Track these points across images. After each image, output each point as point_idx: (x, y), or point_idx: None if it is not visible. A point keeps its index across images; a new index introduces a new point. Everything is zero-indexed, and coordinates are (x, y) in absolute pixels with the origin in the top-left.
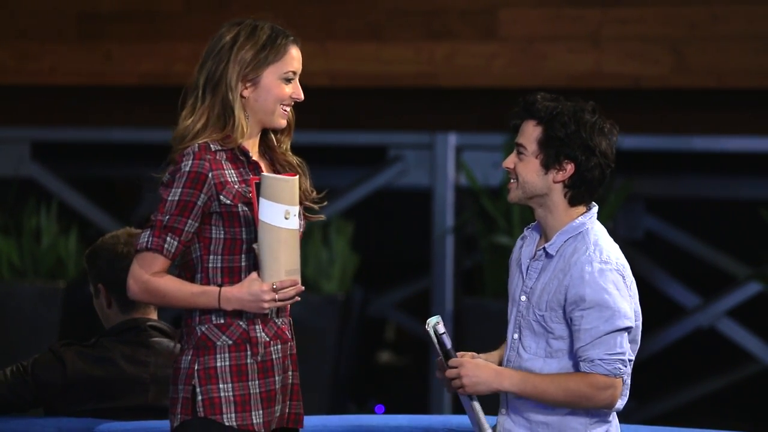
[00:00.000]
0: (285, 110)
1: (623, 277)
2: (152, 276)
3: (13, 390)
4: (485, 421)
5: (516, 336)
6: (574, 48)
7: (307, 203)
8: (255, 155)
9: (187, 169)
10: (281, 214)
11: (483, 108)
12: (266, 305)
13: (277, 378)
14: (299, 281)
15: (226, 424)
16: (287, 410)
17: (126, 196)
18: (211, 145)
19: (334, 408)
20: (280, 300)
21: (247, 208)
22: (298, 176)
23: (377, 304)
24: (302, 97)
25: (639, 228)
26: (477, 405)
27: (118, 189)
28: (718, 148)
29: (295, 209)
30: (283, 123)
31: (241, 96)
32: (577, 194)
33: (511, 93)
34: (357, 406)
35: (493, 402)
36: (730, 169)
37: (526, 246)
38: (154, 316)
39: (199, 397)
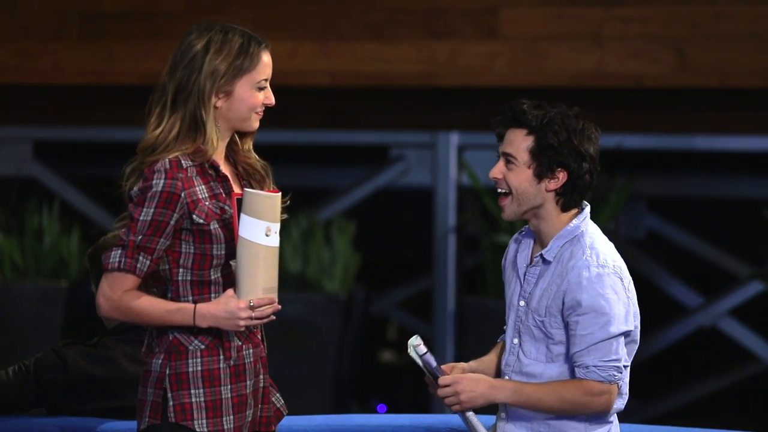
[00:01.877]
0: (258, 115)
1: (621, 279)
2: (124, 294)
3: (16, 389)
4: (483, 428)
5: (515, 341)
6: (576, 47)
7: None
8: (221, 160)
9: (159, 188)
10: (262, 230)
11: (485, 107)
12: (242, 323)
13: (248, 382)
14: (276, 299)
15: (197, 430)
16: (259, 414)
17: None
18: (182, 161)
19: (336, 407)
20: (256, 318)
21: (218, 226)
22: (280, 193)
23: (379, 303)
24: (273, 101)
25: (641, 227)
26: (471, 414)
27: (120, 188)
28: (720, 148)
29: (277, 226)
30: (256, 126)
31: (214, 107)
32: (569, 200)
33: (513, 92)
34: (359, 406)
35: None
36: (732, 169)
37: (521, 251)
38: None
39: (170, 403)
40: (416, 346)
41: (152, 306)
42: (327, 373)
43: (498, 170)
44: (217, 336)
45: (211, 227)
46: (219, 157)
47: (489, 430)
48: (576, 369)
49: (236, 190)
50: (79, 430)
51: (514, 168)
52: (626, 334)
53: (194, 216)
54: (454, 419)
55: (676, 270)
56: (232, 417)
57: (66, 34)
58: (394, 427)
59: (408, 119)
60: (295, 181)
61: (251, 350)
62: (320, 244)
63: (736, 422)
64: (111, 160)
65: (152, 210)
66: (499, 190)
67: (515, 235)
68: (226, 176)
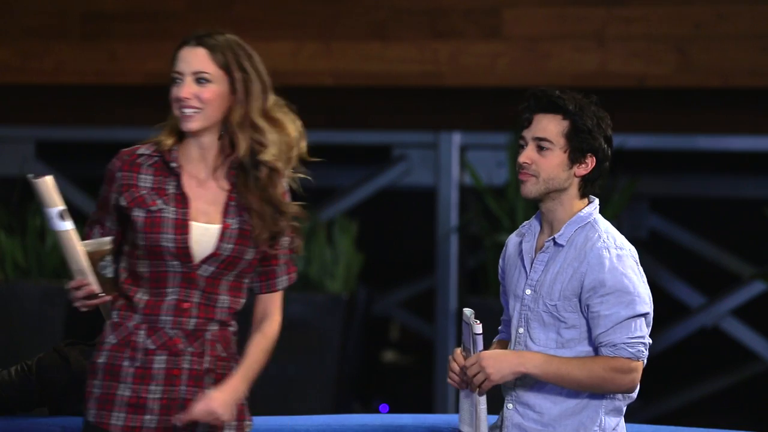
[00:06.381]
0: (183, 112)
1: (636, 263)
2: None
3: (18, 389)
4: (486, 426)
5: (522, 330)
6: (579, 47)
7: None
8: (191, 160)
9: (108, 167)
10: (49, 217)
11: (487, 107)
12: (77, 304)
13: (155, 387)
14: (87, 281)
15: (88, 419)
16: (174, 425)
17: None
18: (143, 150)
19: (339, 407)
20: (82, 299)
21: (141, 215)
22: (50, 176)
23: (382, 303)
24: (178, 95)
25: (643, 227)
26: (483, 404)
27: None
28: (723, 148)
29: (53, 210)
30: (186, 125)
31: None
32: (591, 187)
33: (515, 92)
34: (361, 406)
35: (496, 397)
36: (735, 169)
37: (526, 241)
38: None
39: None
40: (475, 324)
41: None
42: (329, 372)
43: (529, 156)
44: (129, 334)
45: (133, 213)
46: (187, 156)
47: (493, 425)
48: (602, 349)
49: (207, 193)
50: (81, 430)
51: (548, 153)
52: (646, 315)
53: (121, 198)
54: (457, 419)
55: (678, 270)
56: (123, 415)
57: (68, 34)
58: (396, 427)
59: (410, 119)
60: (296, 181)
61: (165, 357)
62: (322, 244)
63: (739, 422)
64: None
65: (102, 186)
66: (526, 174)
67: (518, 230)
68: (178, 175)
